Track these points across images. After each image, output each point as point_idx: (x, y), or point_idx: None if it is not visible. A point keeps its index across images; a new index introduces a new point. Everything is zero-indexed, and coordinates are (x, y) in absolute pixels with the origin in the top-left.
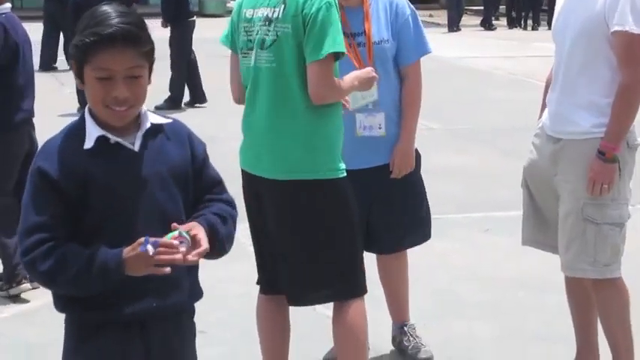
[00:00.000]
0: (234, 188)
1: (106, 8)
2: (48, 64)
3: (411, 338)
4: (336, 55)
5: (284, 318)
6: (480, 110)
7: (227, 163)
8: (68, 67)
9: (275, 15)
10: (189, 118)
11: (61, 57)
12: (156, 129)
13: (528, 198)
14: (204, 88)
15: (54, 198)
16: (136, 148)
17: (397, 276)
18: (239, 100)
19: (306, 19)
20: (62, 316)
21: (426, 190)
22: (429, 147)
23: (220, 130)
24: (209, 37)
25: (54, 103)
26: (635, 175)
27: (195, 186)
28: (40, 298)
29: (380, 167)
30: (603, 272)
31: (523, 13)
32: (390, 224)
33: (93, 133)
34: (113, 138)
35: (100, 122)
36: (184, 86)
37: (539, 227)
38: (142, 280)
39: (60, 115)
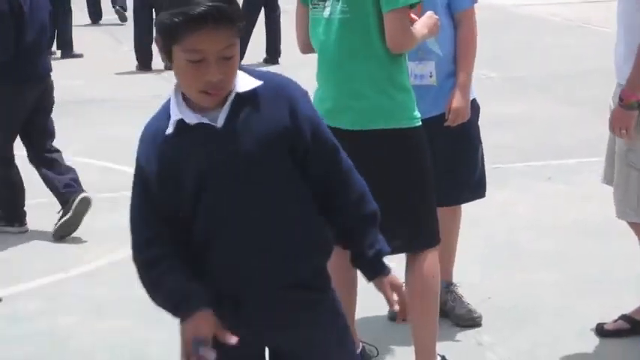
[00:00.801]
0: None
1: None
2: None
3: (457, 297)
4: (411, 4)
5: (352, 272)
6: (537, 57)
7: None
8: (119, 21)
9: None
10: None
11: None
12: (245, 98)
13: (611, 139)
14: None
15: (150, 192)
16: (220, 123)
17: (448, 232)
18: (304, 49)
19: None
20: (128, 273)
21: (485, 139)
22: (487, 96)
23: None
24: None
25: (111, 62)
26: None
27: (307, 153)
28: (103, 257)
29: (434, 118)
30: None
31: None
32: (445, 178)
33: (173, 116)
34: (192, 119)
35: (185, 99)
36: (246, 44)
37: (613, 165)
38: (215, 254)
39: (117, 74)
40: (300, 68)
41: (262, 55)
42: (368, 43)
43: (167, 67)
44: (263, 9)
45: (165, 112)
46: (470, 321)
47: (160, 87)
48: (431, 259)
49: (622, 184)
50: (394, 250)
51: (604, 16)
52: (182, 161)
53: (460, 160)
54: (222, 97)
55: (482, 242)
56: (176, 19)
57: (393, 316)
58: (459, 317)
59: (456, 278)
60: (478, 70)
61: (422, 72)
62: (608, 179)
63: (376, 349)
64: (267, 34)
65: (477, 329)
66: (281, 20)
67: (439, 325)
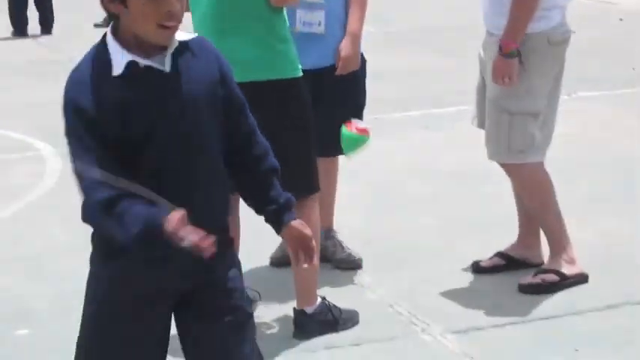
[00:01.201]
0: None
1: None
2: None
3: (337, 243)
4: None
5: (236, 218)
6: (414, 11)
7: None
8: None
9: None
10: None
11: None
12: (182, 46)
13: (480, 84)
14: None
15: (97, 137)
16: (167, 69)
17: (327, 181)
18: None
19: None
20: (8, 232)
21: (367, 92)
22: (367, 50)
23: None
24: None
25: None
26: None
27: (226, 107)
28: None
29: (325, 69)
30: (519, 158)
31: None
32: (329, 128)
33: (120, 58)
34: (143, 62)
35: (125, 46)
36: None
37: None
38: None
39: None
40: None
41: None
42: None
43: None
44: None
45: (97, 59)
46: (350, 264)
47: (36, 52)
48: (310, 205)
49: (494, 127)
50: None
51: None
52: (134, 102)
53: (346, 112)
54: (173, 33)
55: (362, 189)
56: None
57: (274, 261)
58: (340, 261)
59: (336, 225)
60: None
61: (310, 20)
62: (479, 123)
63: (258, 293)
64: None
65: (357, 271)
66: None
67: (320, 270)
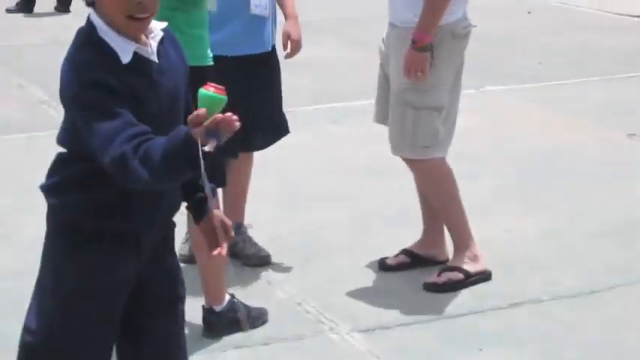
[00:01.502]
0: None
1: None
2: None
3: (246, 238)
4: None
5: None
6: (328, 2)
7: None
8: None
9: None
10: (48, 20)
11: None
12: (162, 38)
13: (382, 77)
14: None
15: (122, 102)
16: (156, 59)
17: (245, 176)
18: None
19: None
20: None
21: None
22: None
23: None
24: None
25: None
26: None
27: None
28: None
29: (263, 54)
30: (423, 153)
31: None
32: (266, 121)
33: (125, 46)
34: (144, 50)
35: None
36: None
37: (388, 105)
38: (139, 196)
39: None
40: None
41: (53, 3)
42: None
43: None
44: None
45: (92, 50)
46: (259, 260)
47: None
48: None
49: (398, 121)
50: None
51: None
52: (138, 88)
53: (276, 101)
54: (146, 26)
55: (273, 183)
56: None
57: (182, 258)
58: (249, 257)
59: (247, 219)
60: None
61: (260, 1)
62: (379, 118)
63: None
64: None
65: (266, 268)
66: None
67: (229, 266)
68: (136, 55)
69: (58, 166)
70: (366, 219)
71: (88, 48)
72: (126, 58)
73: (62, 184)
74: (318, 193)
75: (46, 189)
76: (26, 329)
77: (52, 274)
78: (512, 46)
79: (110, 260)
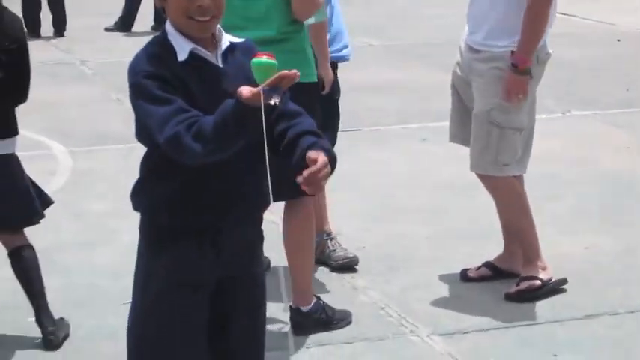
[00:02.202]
0: None
1: None
2: None
3: (335, 244)
4: None
5: None
6: (414, 26)
7: None
8: None
9: None
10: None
11: None
12: (234, 47)
13: (456, 98)
14: None
15: (175, 91)
16: (220, 64)
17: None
18: None
19: None
20: None
21: (367, 103)
22: (368, 63)
23: None
24: None
25: None
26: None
27: None
28: None
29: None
30: (503, 171)
31: None
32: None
33: (184, 46)
34: (203, 52)
35: (188, 39)
36: (137, 8)
37: (465, 125)
38: (217, 191)
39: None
40: None
41: (150, 22)
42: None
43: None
44: None
45: (158, 46)
46: (346, 260)
47: (49, 54)
48: (308, 205)
49: (482, 140)
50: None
51: None
52: (193, 86)
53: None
54: (210, 29)
55: (359, 198)
56: None
57: None
58: (336, 258)
59: (333, 230)
60: (360, 38)
61: None
62: (454, 137)
63: None
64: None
65: (352, 275)
66: None
67: (315, 273)
68: (193, 54)
69: (140, 167)
70: (450, 233)
71: (152, 46)
72: (182, 56)
73: (141, 183)
74: (403, 208)
75: (131, 192)
76: (127, 326)
77: (141, 272)
78: (599, 72)
79: (188, 258)
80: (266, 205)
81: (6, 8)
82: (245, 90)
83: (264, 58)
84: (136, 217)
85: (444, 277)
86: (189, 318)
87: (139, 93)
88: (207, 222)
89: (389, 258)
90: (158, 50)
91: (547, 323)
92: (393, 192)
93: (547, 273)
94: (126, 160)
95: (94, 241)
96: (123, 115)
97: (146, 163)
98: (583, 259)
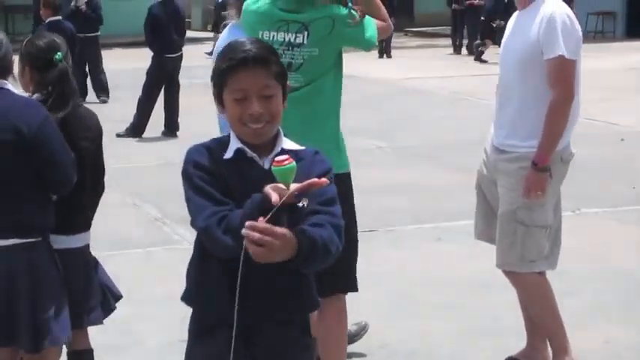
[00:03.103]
0: None
1: (240, 39)
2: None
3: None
4: None
5: None
6: (424, 128)
7: None
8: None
9: (298, 40)
10: (157, 144)
11: None
12: (288, 152)
13: (481, 197)
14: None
15: (214, 183)
16: (266, 166)
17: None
18: None
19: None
20: None
21: (380, 203)
22: (378, 164)
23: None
24: None
25: None
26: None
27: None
28: None
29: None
30: (530, 267)
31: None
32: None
33: (233, 145)
34: (250, 152)
35: (242, 141)
36: (148, 115)
37: (490, 223)
38: (248, 287)
39: None
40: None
41: (161, 128)
42: (320, 108)
43: None
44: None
45: (218, 142)
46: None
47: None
48: (343, 303)
49: (509, 237)
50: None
51: (487, 90)
52: (233, 184)
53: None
54: (264, 134)
55: (379, 296)
56: (224, 66)
57: None
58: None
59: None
60: (369, 140)
61: None
62: (478, 235)
63: None
64: (165, 108)
65: None
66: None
67: None
68: (241, 152)
69: (194, 245)
70: (471, 330)
71: (211, 141)
72: (229, 154)
73: (187, 272)
74: (424, 306)
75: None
76: None
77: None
78: (606, 170)
79: (222, 353)
80: (301, 309)
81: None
82: (274, 195)
83: (285, 165)
84: (160, 321)
85: None
86: None
87: (185, 180)
88: (238, 318)
89: (413, 355)
90: (213, 145)
91: None
92: (412, 289)
93: None
94: (146, 264)
95: (118, 344)
96: (140, 220)
97: (195, 249)
98: (603, 353)
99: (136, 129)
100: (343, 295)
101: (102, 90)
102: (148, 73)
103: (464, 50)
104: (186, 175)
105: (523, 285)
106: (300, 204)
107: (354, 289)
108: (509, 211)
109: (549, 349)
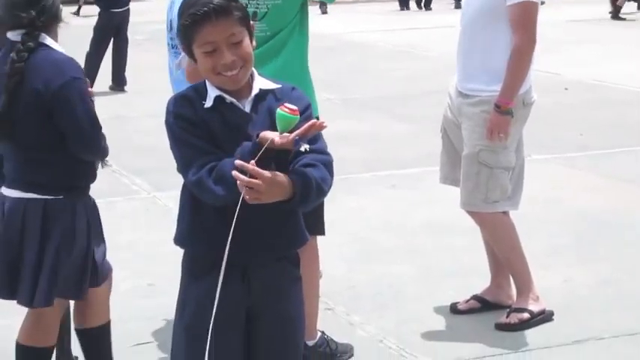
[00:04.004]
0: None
1: None
2: None
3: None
4: None
5: None
6: (370, 80)
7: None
8: None
9: None
10: (105, 98)
11: None
12: (265, 93)
13: (446, 141)
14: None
15: (198, 134)
16: (247, 109)
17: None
18: None
19: None
20: None
21: (334, 153)
22: (329, 116)
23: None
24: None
25: None
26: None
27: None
28: None
29: None
30: (493, 207)
31: None
32: None
33: (211, 94)
34: (228, 98)
35: (219, 88)
36: (96, 70)
37: (455, 166)
38: (247, 227)
39: None
40: (147, 95)
41: (109, 82)
42: (285, 56)
43: None
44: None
45: (196, 91)
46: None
47: None
48: (313, 245)
49: (472, 179)
50: None
51: (426, 43)
52: (218, 131)
53: None
54: (241, 80)
55: (341, 242)
56: (187, 22)
57: None
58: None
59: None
60: (317, 93)
61: None
62: (444, 179)
63: None
64: (113, 63)
65: (346, 312)
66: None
67: None
68: (220, 99)
69: (180, 196)
70: (433, 271)
71: (189, 89)
72: (208, 102)
73: (180, 213)
74: (385, 249)
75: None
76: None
77: (178, 305)
78: (553, 119)
79: (226, 287)
80: (294, 245)
81: None
82: (276, 138)
83: (286, 112)
84: (128, 267)
85: (436, 311)
86: (223, 353)
87: (168, 131)
88: (236, 256)
89: (379, 295)
90: (191, 93)
91: (538, 349)
92: (372, 235)
93: (539, 304)
94: (108, 214)
95: None
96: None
97: (183, 193)
98: (563, 291)
99: None
100: (314, 237)
101: None
102: (95, 29)
103: (412, 5)
104: (169, 127)
105: (488, 225)
106: (302, 149)
107: (322, 232)
108: (473, 153)
109: (513, 287)
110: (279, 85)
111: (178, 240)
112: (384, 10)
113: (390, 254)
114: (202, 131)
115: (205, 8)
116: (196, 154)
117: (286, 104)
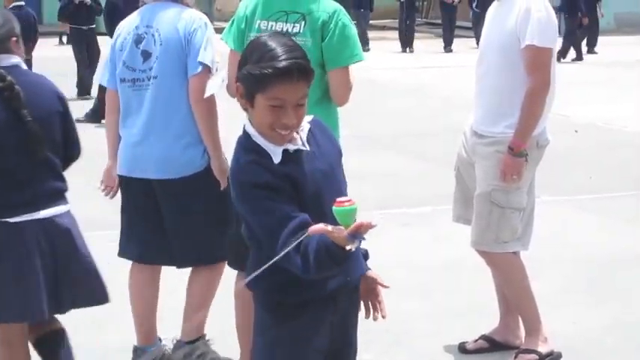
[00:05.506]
0: None
1: (275, 42)
2: None
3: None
4: None
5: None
6: (382, 118)
7: None
8: None
9: (295, 30)
10: None
11: None
12: (306, 127)
13: (460, 180)
14: None
15: (280, 198)
16: (307, 147)
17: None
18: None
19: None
20: None
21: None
22: (343, 152)
23: None
24: None
25: None
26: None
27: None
28: None
29: None
30: (503, 247)
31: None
32: None
33: (273, 148)
34: (292, 147)
35: (265, 137)
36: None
37: (468, 205)
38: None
39: None
40: None
41: None
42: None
43: None
44: None
45: (251, 152)
46: None
47: None
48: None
49: (484, 218)
50: None
51: (437, 82)
52: (297, 178)
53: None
54: (287, 140)
55: None
56: (265, 71)
57: None
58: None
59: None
60: None
61: None
62: (457, 217)
63: None
64: None
65: (359, 352)
66: None
67: None
68: (286, 151)
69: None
70: (445, 309)
71: (247, 154)
72: (277, 158)
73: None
74: (397, 287)
75: (252, 281)
76: None
77: (264, 347)
78: (563, 161)
79: (314, 323)
80: (361, 271)
81: None
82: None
83: (345, 206)
84: None
85: (444, 350)
86: None
87: (243, 204)
88: (333, 288)
89: (389, 333)
90: (255, 157)
91: None
92: (385, 272)
93: (547, 345)
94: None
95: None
96: (105, 203)
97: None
98: (572, 332)
99: (96, 114)
100: None
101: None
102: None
103: (417, 44)
104: (247, 199)
105: (498, 265)
106: (353, 248)
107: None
108: (486, 192)
109: (522, 328)
110: (310, 118)
111: (263, 288)
112: (396, 48)
113: (400, 291)
114: (283, 189)
115: (289, 65)
116: (281, 221)
117: (338, 199)
